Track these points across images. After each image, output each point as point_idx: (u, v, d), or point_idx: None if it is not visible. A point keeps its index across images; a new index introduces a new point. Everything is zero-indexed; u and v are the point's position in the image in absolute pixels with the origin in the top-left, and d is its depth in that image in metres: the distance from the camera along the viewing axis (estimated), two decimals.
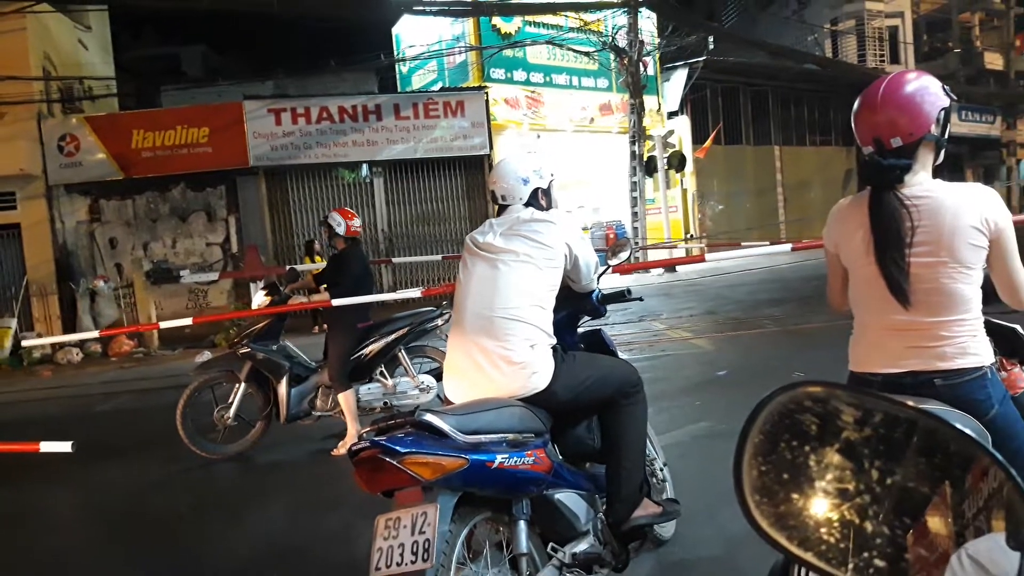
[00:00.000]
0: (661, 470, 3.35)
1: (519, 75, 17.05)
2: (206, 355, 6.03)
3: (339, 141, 14.85)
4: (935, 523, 0.70)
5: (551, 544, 2.52)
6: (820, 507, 0.75)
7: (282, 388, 5.36)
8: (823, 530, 0.74)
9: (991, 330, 2.18)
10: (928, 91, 2.02)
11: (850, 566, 0.71)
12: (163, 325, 6.92)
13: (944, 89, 2.06)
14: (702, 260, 8.42)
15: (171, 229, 14.62)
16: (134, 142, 14.14)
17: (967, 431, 0.69)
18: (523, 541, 2.36)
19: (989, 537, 0.68)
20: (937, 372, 1.99)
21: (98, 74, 17.04)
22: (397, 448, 2.10)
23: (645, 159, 17.11)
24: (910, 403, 0.74)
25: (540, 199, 2.90)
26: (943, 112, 2.04)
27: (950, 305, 1.98)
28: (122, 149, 14.06)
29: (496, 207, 2.93)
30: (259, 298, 5.92)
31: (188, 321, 6.64)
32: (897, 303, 2.01)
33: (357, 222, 5.50)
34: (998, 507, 0.68)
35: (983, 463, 0.70)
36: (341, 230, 5.44)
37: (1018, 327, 2.42)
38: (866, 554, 0.71)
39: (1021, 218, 4.39)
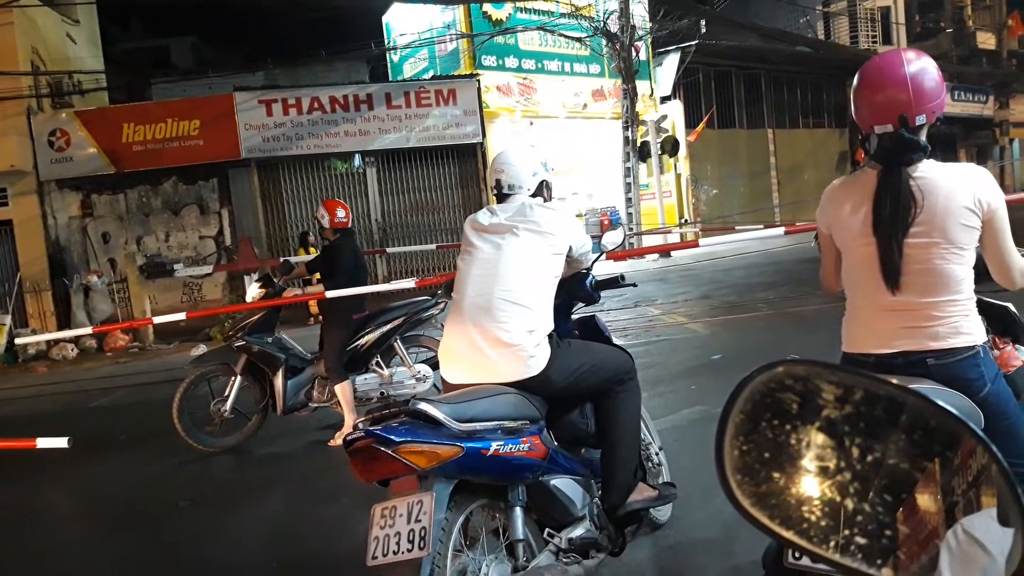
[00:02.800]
0: (657, 454, 3.36)
1: (511, 62, 16.96)
2: (201, 348, 6.04)
3: (331, 131, 14.78)
4: (923, 500, 0.70)
5: (547, 530, 2.53)
6: (802, 485, 0.75)
7: (278, 380, 5.36)
8: (805, 508, 0.74)
9: (984, 309, 2.18)
10: (938, 72, 2.03)
11: (831, 543, 0.71)
12: (156, 320, 6.90)
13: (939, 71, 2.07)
14: (696, 246, 8.43)
15: (164, 223, 14.55)
16: (124, 136, 14.03)
17: (947, 407, 0.69)
18: (519, 527, 2.37)
19: (984, 512, 0.68)
20: (930, 352, 1.99)
21: (87, 67, 16.90)
22: (392, 437, 2.10)
23: (638, 144, 17.08)
24: (892, 380, 0.74)
25: (543, 191, 2.96)
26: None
27: (943, 286, 1.98)
28: (113, 143, 13.96)
29: (495, 196, 2.96)
30: (253, 290, 5.90)
31: (182, 316, 6.62)
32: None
33: (342, 213, 5.48)
34: (986, 484, 0.68)
35: (970, 440, 0.70)
36: (326, 222, 5.46)
37: (1010, 306, 2.42)
38: (847, 531, 0.71)
39: (1015, 197, 4.40)
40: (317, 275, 5.77)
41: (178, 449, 5.36)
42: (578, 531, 2.60)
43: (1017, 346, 2.42)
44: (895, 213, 1.98)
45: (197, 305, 14.04)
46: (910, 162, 1.98)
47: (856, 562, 0.70)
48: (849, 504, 0.71)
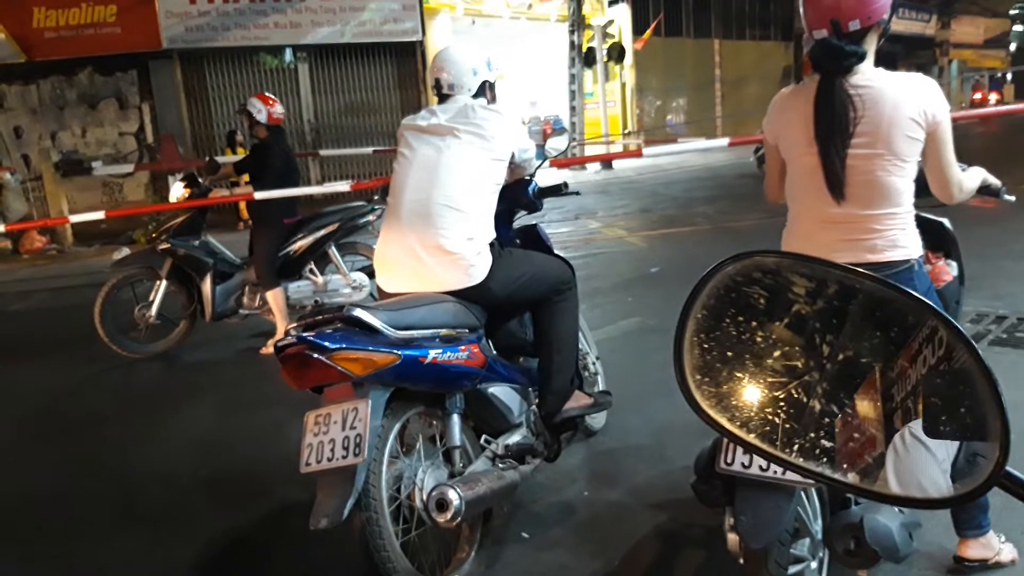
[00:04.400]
0: (594, 363, 3.40)
1: None
2: (124, 251, 5.74)
3: (260, 22, 13.89)
4: (880, 400, 0.66)
5: (484, 436, 2.55)
6: (765, 386, 0.70)
7: (206, 286, 5.17)
8: (768, 410, 0.69)
9: (919, 223, 2.20)
10: None
11: (795, 447, 0.67)
12: (73, 219, 6.54)
13: None
14: (639, 155, 8.38)
15: (80, 117, 13.64)
16: (35, 21, 12.95)
17: (928, 301, 0.65)
18: (456, 434, 2.38)
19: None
20: (866, 264, 2.00)
21: None
22: (326, 344, 2.04)
23: (584, 50, 16.69)
24: (865, 272, 0.68)
25: (486, 92, 2.84)
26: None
27: (883, 198, 1.98)
28: (23, 29, 12.88)
29: (435, 96, 2.83)
30: (177, 190, 5.61)
31: (100, 215, 6.27)
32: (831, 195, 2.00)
33: (279, 109, 5.20)
34: (946, 385, 0.64)
35: (925, 336, 0.66)
36: (262, 117, 5.12)
37: (945, 221, 2.46)
38: (812, 434, 0.67)
39: (959, 115, 4.45)
40: (246, 177, 5.50)
41: (102, 356, 5.17)
42: (515, 438, 2.62)
43: (949, 261, 2.47)
44: (831, 122, 1.95)
45: (118, 206, 13.38)
46: (845, 70, 1.94)
47: (820, 466, 0.66)
48: (816, 405, 0.67)
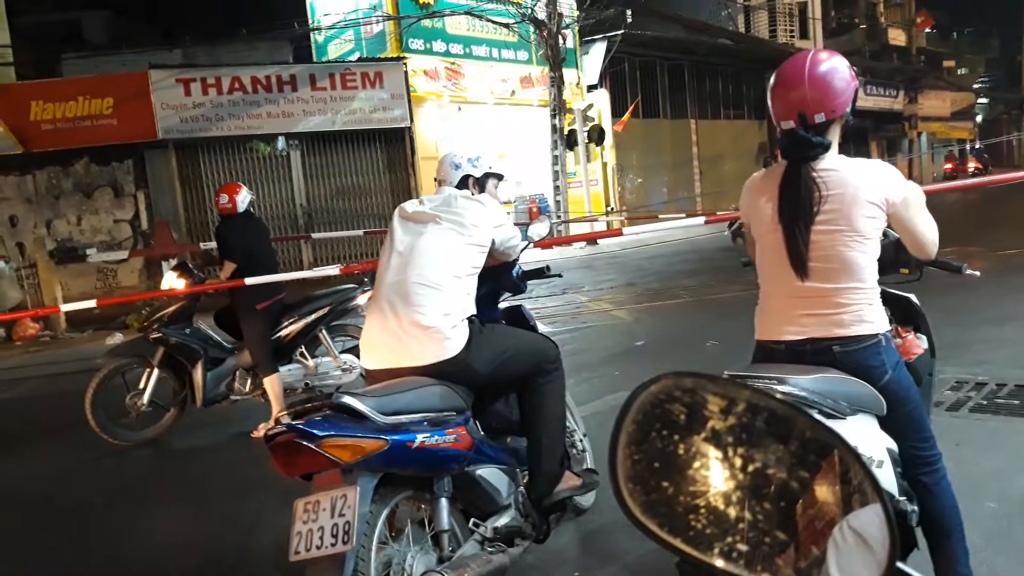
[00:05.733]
0: (581, 441, 3.42)
1: (438, 46, 16.79)
2: (117, 337, 5.80)
3: (253, 113, 14.33)
4: (805, 505, 0.73)
5: (472, 519, 2.55)
6: (688, 494, 0.78)
7: (198, 373, 5.21)
8: (691, 516, 0.76)
9: (887, 299, 2.29)
10: (847, 71, 2.12)
11: (715, 550, 0.74)
12: (64, 308, 6.59)
13: (853, 70, 2.17)
14: (620, 234, 8.58)
15: (75, 206, 13.87)
16: (33, 114, 13.31)
17: (821, 419, 0.73)
18: (445, 518, 2.38)
19: (866, 509, 0.72)
20: (835, 339, 2.07)
21: None
22: (315, 432, 2.08)
23: (566, 132, 17.20)
24: (778, 393, 0.77)
25: (471, 186, 2.97)
26: (855, 92, 2.14)
27: (846, 272, 2.07)
28: (20, 122, 13.21)
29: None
30: (170, 279, 5.69)
31: (92, 303, 6.33)
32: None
33: (224, 198, 5.28)
34: (844, 492, 0.72)
35: (822, 448, 0.74)
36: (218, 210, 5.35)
37: (912, 296, 2.54)
38: (730, 538, 0.74)
39: (931, 188, 4.59)
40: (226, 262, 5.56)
41: (92, 443, 5.15)
42: (503, 520, 2.63)
43: (918, 335, 2.54)
44: (796, 203, 2.07)
45: (112, 292, 13.46)
46: (811, 158, 2.07)
47: (738, 568, 0.73)
48: (732, 512, 0.74)
